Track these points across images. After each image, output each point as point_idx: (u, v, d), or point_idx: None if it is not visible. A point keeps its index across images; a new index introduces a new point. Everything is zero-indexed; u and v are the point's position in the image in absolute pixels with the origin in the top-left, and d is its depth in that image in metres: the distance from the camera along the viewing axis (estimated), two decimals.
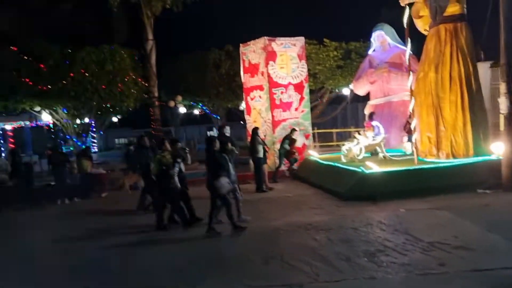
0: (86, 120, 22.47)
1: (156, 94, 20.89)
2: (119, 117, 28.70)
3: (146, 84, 21.05)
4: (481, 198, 8.95)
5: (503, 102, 9.55)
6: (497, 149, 10.33)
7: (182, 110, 26.68)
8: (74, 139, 22.06)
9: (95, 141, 28.96)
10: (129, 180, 13.85)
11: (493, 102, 17.25)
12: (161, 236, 8.08)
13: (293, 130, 14.05)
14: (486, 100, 12.22)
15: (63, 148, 22.34)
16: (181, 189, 8.58)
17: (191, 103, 26.10)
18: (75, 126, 21.91)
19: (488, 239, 6.32)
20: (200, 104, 26.51)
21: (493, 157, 10.35)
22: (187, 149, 9.67)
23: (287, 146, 13.71)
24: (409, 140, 12.46)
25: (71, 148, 23.19)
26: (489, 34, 12.01)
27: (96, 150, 29.70)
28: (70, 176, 13.30)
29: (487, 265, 5.33)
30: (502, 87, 9.57)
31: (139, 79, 21.09)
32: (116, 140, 52.01)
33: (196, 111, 34.25)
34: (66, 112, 20.91)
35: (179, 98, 21.64)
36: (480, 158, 10.48)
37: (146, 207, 10.27)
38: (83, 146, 18.84)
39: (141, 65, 21.22)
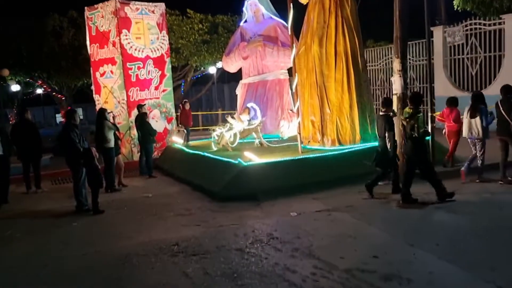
0: None
1: None
2: None
3: None
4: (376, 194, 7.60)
5: (396, 81, 8.28)
6: None
7: (15, 88, 21.89)
8: None
9: None
10: None
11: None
12: None
13: (140, 106, 11.33)
14: None
15: None
16: None
17: (28, 80, 21.50)
18: None
19: (420, 260, 4.73)
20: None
21: None
22: None
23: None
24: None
25: None
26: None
27: None
28: None
29: None
30: (396, 64, 8.30)
31: None
32: None
33: (39, 90, 29.26)
34: None
35: (6, 72, 17.14)
36: (368, 145, 9.25)
37: None
38: None
39: None
